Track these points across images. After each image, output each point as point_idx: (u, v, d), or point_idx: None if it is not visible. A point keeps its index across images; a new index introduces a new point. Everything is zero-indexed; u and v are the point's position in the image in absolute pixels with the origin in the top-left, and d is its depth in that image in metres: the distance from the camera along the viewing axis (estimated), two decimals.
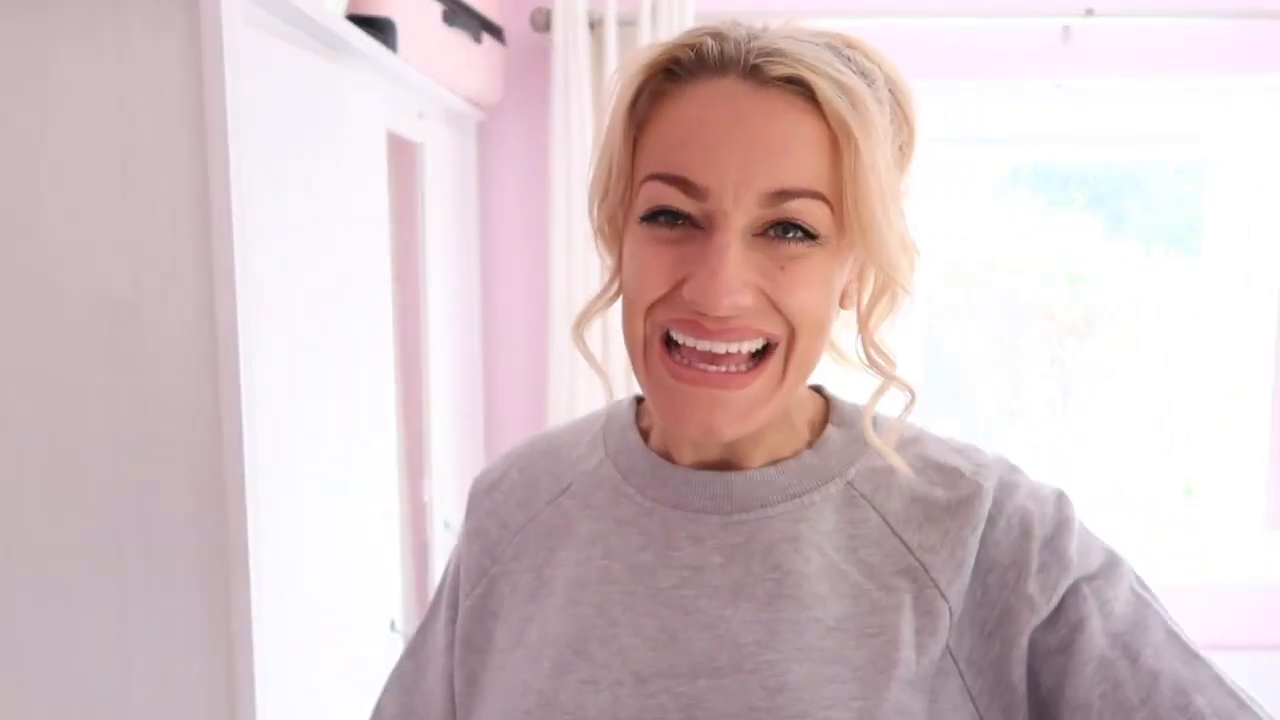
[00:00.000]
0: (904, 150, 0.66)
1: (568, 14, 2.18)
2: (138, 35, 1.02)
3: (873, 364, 0.67)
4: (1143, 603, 0.65)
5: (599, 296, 0.71)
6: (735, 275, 0.60)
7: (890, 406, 0.71)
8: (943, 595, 0.64)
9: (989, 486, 0.66)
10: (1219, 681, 0.62)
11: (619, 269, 0.68)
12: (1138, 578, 0.67)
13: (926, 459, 0.68)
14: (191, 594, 1.10)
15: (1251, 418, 2.61)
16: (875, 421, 0.69)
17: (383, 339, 1.59)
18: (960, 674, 0.64)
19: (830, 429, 0.71)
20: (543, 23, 2.24)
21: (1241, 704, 0.62)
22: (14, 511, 1.08)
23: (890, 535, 0.66)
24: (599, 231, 0.69)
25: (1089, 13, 2.22)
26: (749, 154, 0.59)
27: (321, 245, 1.33)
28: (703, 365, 0.62)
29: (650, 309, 0.63)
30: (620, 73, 0.64)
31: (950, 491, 0.66)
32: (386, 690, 0.83)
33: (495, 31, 2.13)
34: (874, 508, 0.67)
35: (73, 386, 1.07)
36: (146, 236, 1.05)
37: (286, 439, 1.20)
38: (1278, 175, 2.52)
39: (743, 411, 0.63)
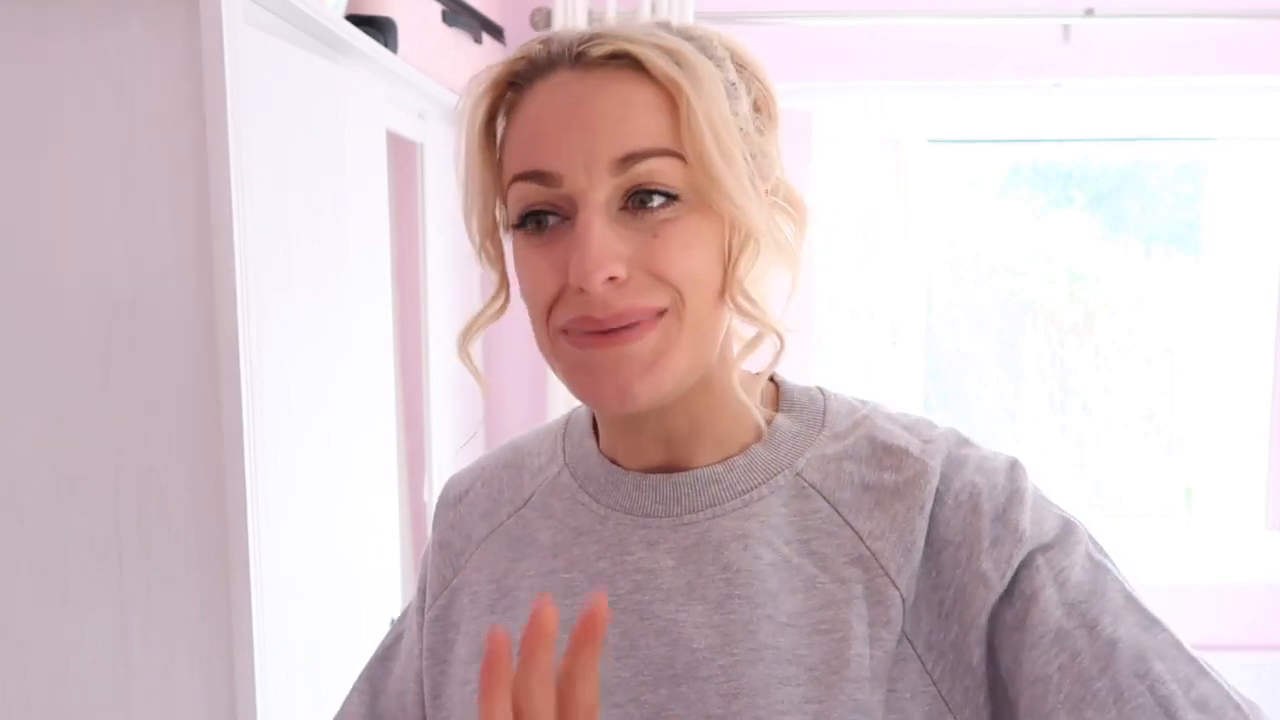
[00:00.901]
0: (760, 107, 0.67)
1: (568, 14, 2.18)
2: (138, 35, 1.02)
3: (739, 310, 0.64)
4: (1100, 569, 0.63)
5: (485, 310, 0.71)
6: (604, 247, 0.59)
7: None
8: (893, 583, 0.63)
9: (935, 464, 0.65)
10: (1179, 647, 0.61)
11: (503, 282, 0.70)
12: (1094, 543, 0.65)
13: (875, 441, 0.67)
14: (191, 593, 1.10)
15: (1251, 418, 2.61)
16: (825, 398, 0.71)
17: (383, 339, 1.59)
18: (919, 659, 0.63)
19: (779, 418, 0.69)
20: (543, 22, 2.24)
21: (1201, 670, 0.61)
22: (14, 510, 1.08)
23: (842, 525, 0.65)
24: (481, 251, 0.70)
25: (1089, 13, 2.22)
26: (590, 131, 0.61)
27: (321, 245, 1.33)
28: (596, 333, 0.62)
29: (549, 314, 0.64)
30: (467, 95, 0.66)
31: (898, 474, 0.65)
32: (355, 689, 0.82)
33: (495, 31, 2.13)
34: (824, 497, 0.66)
35: (73, 386, 1.07)
36: (147, 236, 1.05)
37: (287, 439, 1.20)
38: (1277, 175, 2.52)
39: (646, 364, 0.61)
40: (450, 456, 2.09)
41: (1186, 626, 0.65)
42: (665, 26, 0.65)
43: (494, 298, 0.71)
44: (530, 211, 0.63)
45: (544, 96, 0.63)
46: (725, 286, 0.63)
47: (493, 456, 0.80)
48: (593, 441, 0.73)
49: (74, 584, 1.10)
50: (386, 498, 1.62)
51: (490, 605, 0.72)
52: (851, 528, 0.65)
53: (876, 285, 2.58)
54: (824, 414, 0.70)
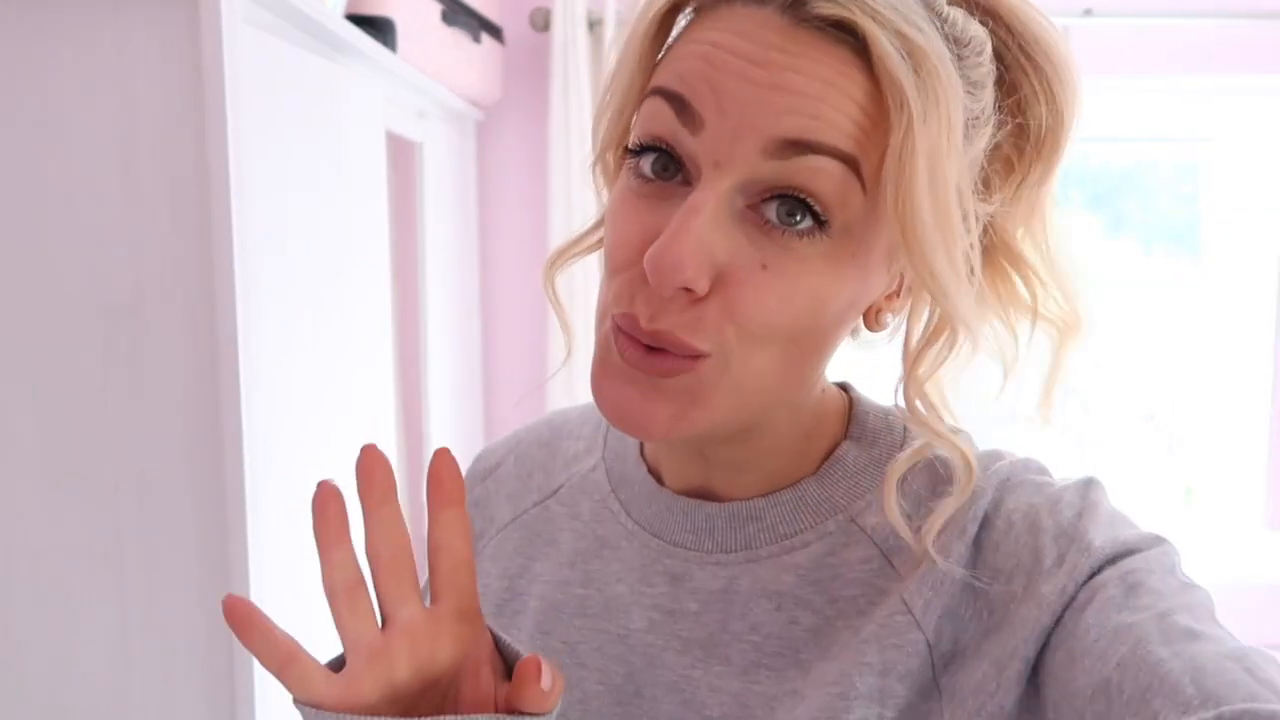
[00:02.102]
0: (1041, 145, 0.51)
1: (567, 14, 2.18)
2: (138, 35, 1.02)
3: (912, 415, 0.52)
4: (1186, 586, 0.50)
5: (578, 239, 0.60)
6: (699, 246, 0.46)
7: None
8: (918, 624, 0.51)
9: (985, 485, 0.53)
10: None
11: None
12: (1182, 567, 0.53)
13: (938, 475, 0.56)
14: (191, 593, 1.10)
15: (1251, 417, 2.61)
16: (907, 427, 0.58)
17: (382, 338, 1.59)
18: (941, 712, 0.51)
19: (845, 446, 0.57)
20: (542, 22, 2.24)
21: None
22: (14, 511, 1.08)
23: (895, 579, 0.53)
24: (599, 160, 0.57)
25: (1088, 13, 2.23)
26: (767, 90, 0.46)
27: (321, 244, 1.33)
28: (632, 347, 0.49)
29: (615, 274, 0.50)
30: None
31: (960, 510, 0.53)
32: None
33: (494, 31, 2.13)
34: (878, 545, 0.55)
35: (73, 387, 1.07)
36: (147, 236, 1.05)
37: (286, 438, 1.20)
38: (1276, 175, 2.52)
39: (678, 406, 0.49)
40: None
41: None
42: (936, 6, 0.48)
43: (593, 227, 0.59)
44: (653, 144, 0.49)
45: (734, 26, 0.48)
46: (904, 381, 0.52)
47: (530, 431, 0.71)
48: (635, 444, 0.62)
49: (73, 585, 1.10)
50: None
51: (499, 605, 0.65)
52: (899, 573, 0.53)
53: None
54: (900, 447, 0.57)
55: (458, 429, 2.17)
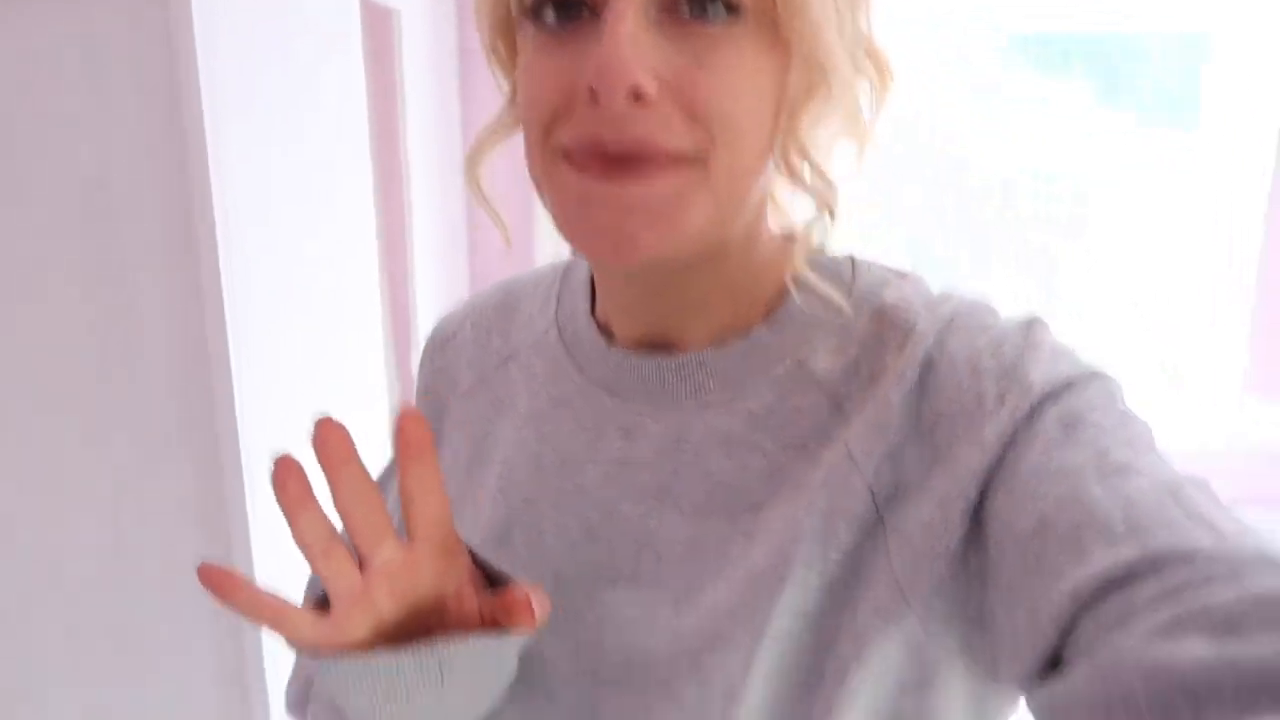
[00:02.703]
0: None
1: None
2: None
3: (788, 170, 0.52)
4: (1128, 416, 0.49)
5: (492, 126, 0.58)
6: (634, 50, 0.46)
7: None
8: (859, 469, 0.52)
9: (926, 327, 0.53)
10: (1215, 496, 0.46)
11: (514, 93, 0.56)
12: (1125, 399, 0.51)
13: (884, 316, 0.55)
14: (185, 482, 1.12)
15: (1236, 288, 2.62)
16: (855, 266, 0.59)
17: (364, 214, 1.57)
18: (887, 552, 0.51)
19: (791, 300, 0.57)
20: None
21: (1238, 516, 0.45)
22: None
23: (842, 421, 0.54)
24: (491, 51, 0.56)
25: None
26: None
27: (294, 120, 1.30)
28: (602, 166, 0.49)
29: (549, 130, 0.50)
30: None
31: (898, 354, 0.53)
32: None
33: None
34: (825, 391, 0.55)
35: (45, 269, 1.06)
36: (115, 115, 1.02)
37: (264, 296, 1.20)
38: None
39: (657, 213, 0.49)
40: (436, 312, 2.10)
41: None
42: None
43: (502, 111, 0.58)
44: None
45: None
46: (777, 136, 0.51)
47: (485, 297, 0.72)
48: (587, 302, 0.63)
49: (47, 385, 1.11)
50: (374, 378, 1.63)
51: (467, 466, 0.66)
52: (850, 425, 0.53)
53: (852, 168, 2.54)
54: (849, 294, 0.57)
55: (442, 305, 2.17)
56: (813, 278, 0.56)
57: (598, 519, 0.59)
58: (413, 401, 0.72)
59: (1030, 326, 0.53)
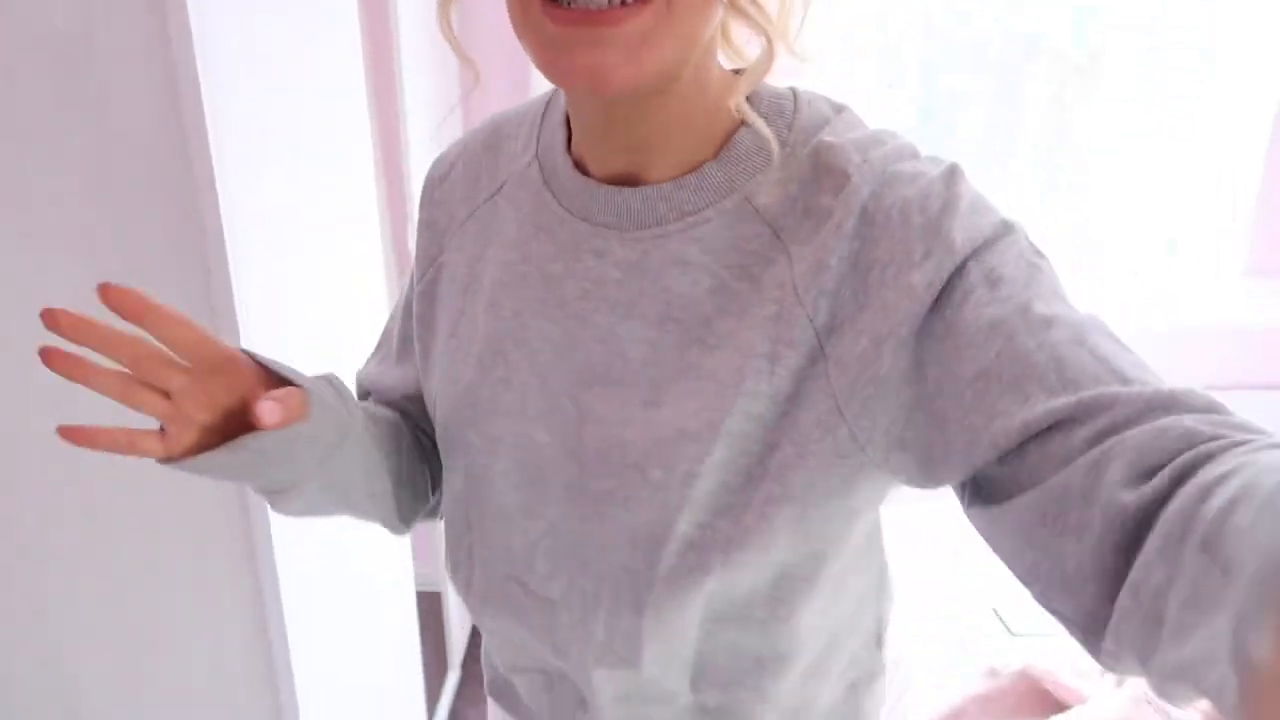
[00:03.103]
0: None
1: None
2: None
3: (735, 6, 0.58)
4: (1034, 268, 0.59)
5: None
6: None
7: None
8: (800, 302, 0.61)
9: (861, 181, 0.61)
10: (1112, 333, 0.57)
11: None
12: (1031, 244, 0.61)
13: (820, 161, 0.63)
14: None
15: (1243, 165, 2.58)
16: (797, 101, 0.66)
17: (355, 87, 1.52)
18: (827, 375, 0.61)
19: (742, 132, 0.65)
20: None
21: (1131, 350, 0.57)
22: None
23: (781, 251, 0.63)
24: None
25: None
26: None
27: (291, 75, 1.24)
28: (578, 5, 0.56)
29: None
30: None
31: (835, 198, 0.62)
32: (368, 359, 0.91)
33: None
34: (767, 223, 0.64)
35: (28, 126, 1.02)
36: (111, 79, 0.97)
37: (254, 135, 1.17)
38: None
39: (630, 49, 0.56)
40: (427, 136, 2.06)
41: (1163, 368, 0.65)
42: None
43: None
44: None
45: None
46: None
47: (474, 135, 0.80)
48: (564, 135, 0.71)
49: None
50: (374, 293, 1.61)
51: (464, 287, 0.76)
52: (788, 254, 0.63)
53: (872, 18, 2.46)
54: (790, 129, 0.65)
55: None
56: (751, 112, 0.63)
57: (575, 328, 0.69)
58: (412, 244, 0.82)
59: (951, 177, 0.61)
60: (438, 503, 0.88)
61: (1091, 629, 0.51)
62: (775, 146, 0.63)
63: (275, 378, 0.69)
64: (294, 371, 0.69)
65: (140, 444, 0.63)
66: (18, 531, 1.19)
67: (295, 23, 1.27)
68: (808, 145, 0.64)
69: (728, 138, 0.65)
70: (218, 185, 1.04)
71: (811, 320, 0.61)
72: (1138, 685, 1.41)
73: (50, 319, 0.59)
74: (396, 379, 0.86)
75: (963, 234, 0.58)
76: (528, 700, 0.83)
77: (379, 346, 0.90)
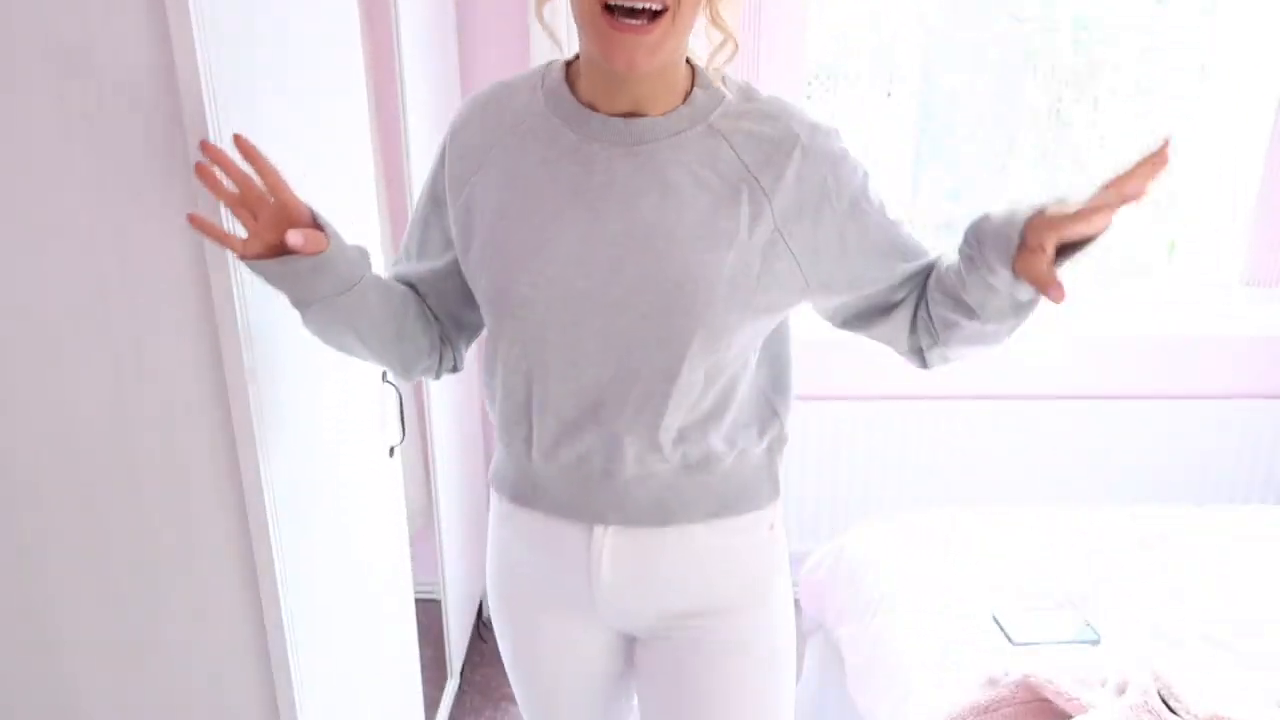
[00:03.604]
0: None
1: None
2: None
3: (714, 20, 1.01)
4: (879, 192, 1.10)
5: None
6: None
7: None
8: (765, 194, 1.04)
9: (799, 128, 1.05)
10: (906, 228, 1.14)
11: None
12: (875, 190, 1.10)
13: (761, 110, 1.06)
14: (185, 351, 1.11)
15: (1242, 176, 2.58)
16: (725, 80, 1.07)
17: (357, 98, 1.52)
18: (787, 244, 1.05)
19: (695, 91, 1.06)
20: None
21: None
22: None
23: (736, 160, 1.04)
24: None
25: None
26: None
27: (289, 57, 1.24)
28: (625, 19, 0.93)
29: None
30: None
31: (775, 130, 1.05)
32: (395, 259, 1.23)
33: None
34: (727, 142, 1.04)
35: (27, 138, 1.02)
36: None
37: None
38: None
39: (651, 49, 0.95)
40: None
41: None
42: None
43: None
44: None
45: None
46: (703, 6, 0.99)
47: (486, 92, 1.13)
48: (568, 90, 1.07)
49: (65, 338, 1.10)
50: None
51: (499, 188, 1.08)
52: (742, 162, 1.04)
53: (874, 29, 2.46)
54: (721, 92, 1.06)
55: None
56: (709, 74, 1.05)
57: (601, 206, 1.04)
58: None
59: (837, 134, 1.07)
60: (436, 366, 1.21)
61: (913, 350, 1.18)
62: (727, 94, 1.06)
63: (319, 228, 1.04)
64: (330, 224, 1.05)
65: (229, 241, 1.01)
66: (17, 533, 1.19)
67: (296, 24, 1.27)
68: (748, 100, 1.07)
69: (689, 92, 1.05)
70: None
71: (773, 213, 1.05)
72: (1138, 694, 1.41)
73: (206, 147, 0.99)
74: (413, 270, 1.19)
75: (852, 180, 1.07)
76: (559, 490, 1.14)
77: (396, 262, 1.22)
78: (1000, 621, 1.70)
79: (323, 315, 1.06)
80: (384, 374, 1.64)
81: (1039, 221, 0.94)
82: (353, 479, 1.51)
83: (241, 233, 1.01)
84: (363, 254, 1.08)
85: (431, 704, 2.17)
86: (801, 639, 2.62)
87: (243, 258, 1.01)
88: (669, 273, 1.01)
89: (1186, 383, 2.66)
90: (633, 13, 0.93)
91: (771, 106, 1.06)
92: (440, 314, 1.19)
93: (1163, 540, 1.98)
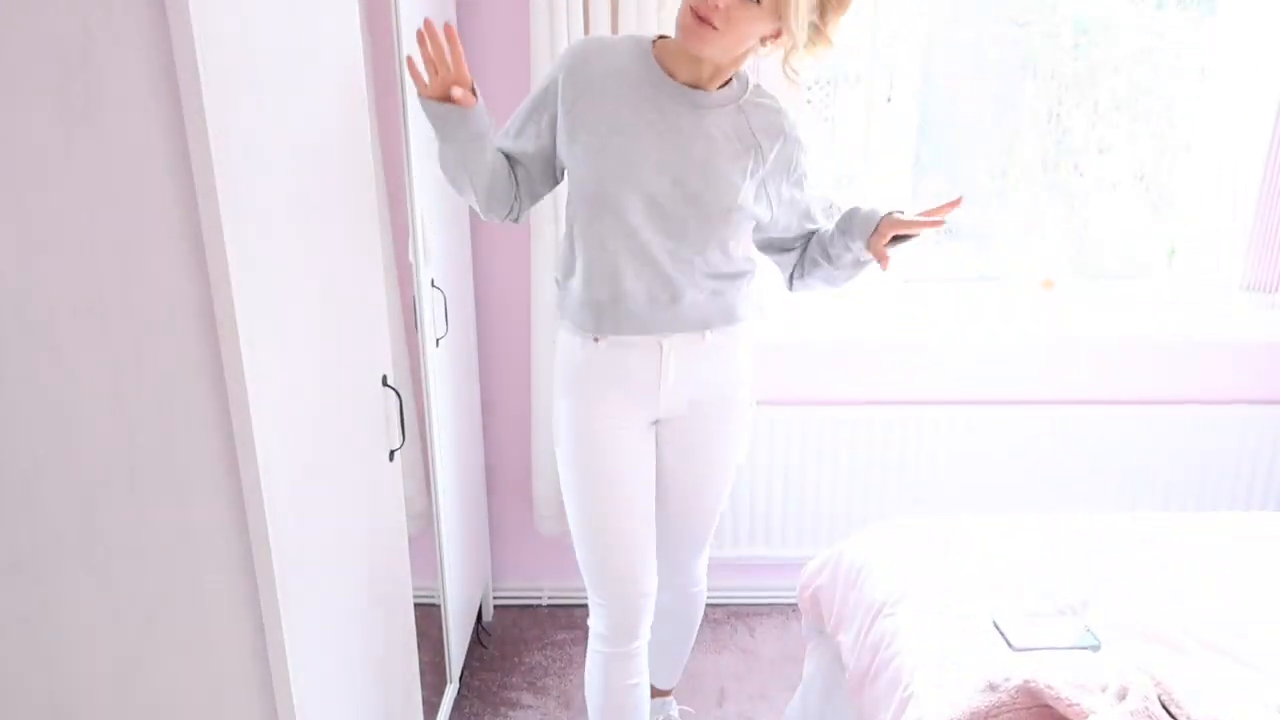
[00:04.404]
0: None
1: None
2: None
3: (792, 80, 1.67)
4: (811, 173, 1.79)
5: None
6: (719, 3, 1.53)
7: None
8: (763, 158, 1.70)
9: (786, 125, 1.73)
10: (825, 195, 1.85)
11: None
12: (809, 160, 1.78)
13: (769, 106, 1.72)
14: (185, 355, 1.11)
15: (1241, 183, 2.58)
16: (759, 88, 1.74)
17: (358, 100, 1.52)
18: (765, 188, 1.73)
19: (734, 81, 1.70)
20: None
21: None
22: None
23: (750, 132, 1.69)
24: None
25: None
26: None
27: (290, 54, 1.24)
28: (702, 16, 1.53)
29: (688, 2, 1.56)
30: None
31: (776, 119, 1.72)
32: (501, 133, 1.79)
33: None
34: (747, 119, 1.69)
35: (27, 139, 1.02)
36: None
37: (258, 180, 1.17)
38: None
39: (714, 42, 1.55)
40: (435, 213, 2.06)
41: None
42: None
43: None
44: None
45: None
46: (784, 36, 1.59)
47: (593, 44, 1.70)
48: (655, 62, 1.67)
49: (65, 342, 1.09)
50: (371, 258, 1.60)
51: (604, 112, 1.65)
52: (754, 134, 1.69)
53: (874, 35, 2.47)
54: (748, 85, 1.72)
55: (443, 189, 2.13)
56: (747, 76, 1.73)
57: (670, 138, 1.65)
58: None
59: (797, 124, 1.76)
60: (505, 214, 1.79)
61: (788, 278, 1.91)
62: (750, 89, 1.71)
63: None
64: (480, 97, 1.61)
65: (419, 79, 1.56)
66: (16, 537, 1.19)
67: (296, 25, 1.28)
68: (760, 94, 1.72)
69: (729, 80, 1.68)
70: (218, 190, 1.04)
71: (766, 164, 1.71)
72: (1139, 700, 1.41)
73: (427, 24, 1.49)
74: (509, 145, 1.76)
75: (807, 160, 1.77)
76: (638, 318, 1.74)
77: (501, 135, 1.76)
78: (1000, 627, 1.70)
79: (452, 153, 1.64)
80: (384, 377, 1.64)
81: (888, 220, 1.66)
82: (353, 482, 1.50)
83: (426, 82, 1.56)
84: (491, 124, 1.65)
85: (431, 709, 2.17)
86: (801, 645, 2.62)
87: (420, 95, 1.56)
88: (709, 190, 1.66)
89: (1186, 388, 2.66)
90: (704, 19, 1.53)
91: (775, 103, 1.73)
92: (521, 181, 1.76)
93: (1163, 545, 1.98)
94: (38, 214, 1.05)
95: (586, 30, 2.24)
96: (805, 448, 2.67)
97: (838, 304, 2.62)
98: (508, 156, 1.73)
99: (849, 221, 1.72)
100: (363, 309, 1.56)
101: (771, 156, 1.69)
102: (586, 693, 1.93)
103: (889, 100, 2.52)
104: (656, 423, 1.86)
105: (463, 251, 2.41)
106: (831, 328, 2.59)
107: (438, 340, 2.12)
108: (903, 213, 1.66)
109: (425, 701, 1.99)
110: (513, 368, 2.40)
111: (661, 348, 1.76)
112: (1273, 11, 2.47)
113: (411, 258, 1.96)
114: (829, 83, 2.57)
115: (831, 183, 2.65)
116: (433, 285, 2.06)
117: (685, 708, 2.42)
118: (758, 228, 1.81)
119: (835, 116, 2.63)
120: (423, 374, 2.04)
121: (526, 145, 1.72)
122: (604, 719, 1.91)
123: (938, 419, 2.67)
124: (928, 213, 1.62)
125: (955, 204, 1.60)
